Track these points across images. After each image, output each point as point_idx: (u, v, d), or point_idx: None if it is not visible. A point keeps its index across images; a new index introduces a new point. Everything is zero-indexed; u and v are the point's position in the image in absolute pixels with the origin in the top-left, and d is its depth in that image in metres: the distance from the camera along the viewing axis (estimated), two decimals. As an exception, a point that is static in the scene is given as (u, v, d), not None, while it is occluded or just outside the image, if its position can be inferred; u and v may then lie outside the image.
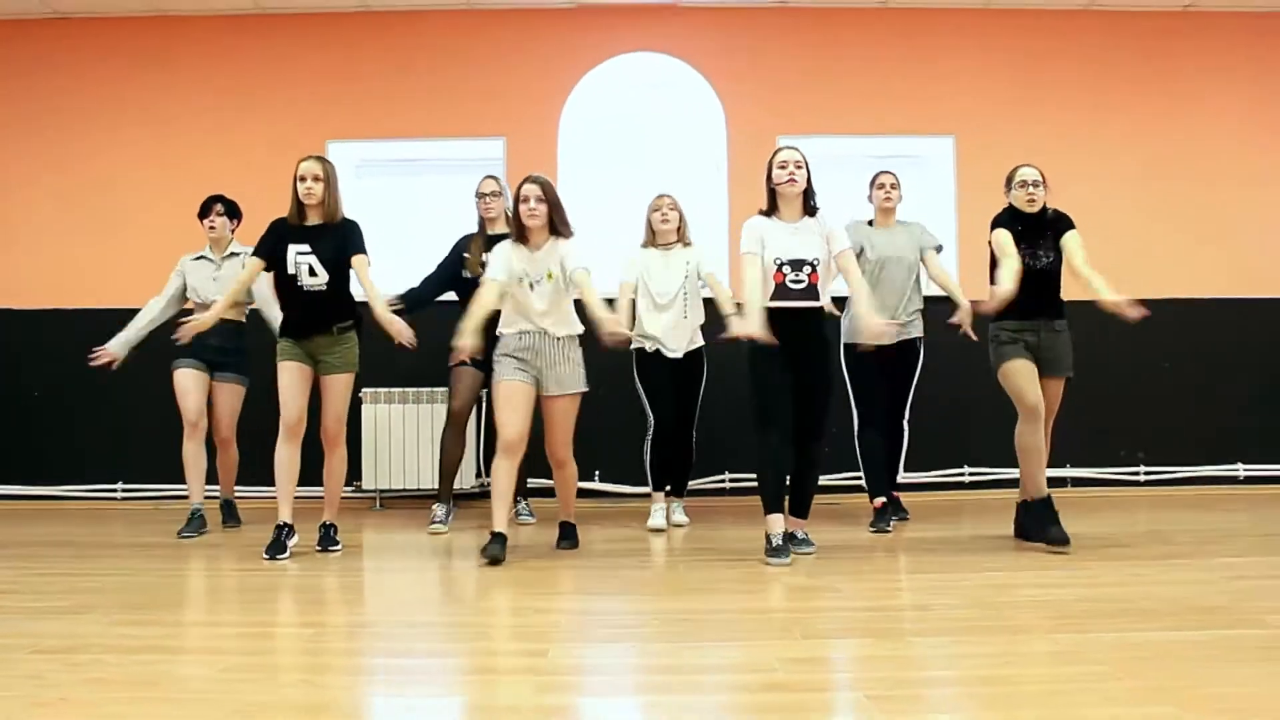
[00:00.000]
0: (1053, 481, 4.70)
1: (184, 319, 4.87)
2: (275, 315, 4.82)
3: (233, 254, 5.35)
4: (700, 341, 5.28)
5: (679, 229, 5.30)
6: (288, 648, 3.13)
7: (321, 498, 4.70)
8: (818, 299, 4.28)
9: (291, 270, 4.53)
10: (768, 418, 4.26)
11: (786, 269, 4.25)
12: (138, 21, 6.77)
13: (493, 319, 4.53)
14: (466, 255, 5.44)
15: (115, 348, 5.22)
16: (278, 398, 4.57)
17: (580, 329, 4.54)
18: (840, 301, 5.19)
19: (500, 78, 6.77)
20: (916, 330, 5.26)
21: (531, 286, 4.44)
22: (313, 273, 4.52)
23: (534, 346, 4.43)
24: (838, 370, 4.86)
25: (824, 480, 5.34)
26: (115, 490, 6.57)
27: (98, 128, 6.77)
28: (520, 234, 4.50)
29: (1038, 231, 4.52)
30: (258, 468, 5.36)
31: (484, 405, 5.71)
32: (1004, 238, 4.52)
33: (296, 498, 4.62)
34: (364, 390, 6.26)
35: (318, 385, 4.62)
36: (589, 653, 3.03)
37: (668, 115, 6.89)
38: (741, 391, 4.37)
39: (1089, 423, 6.02)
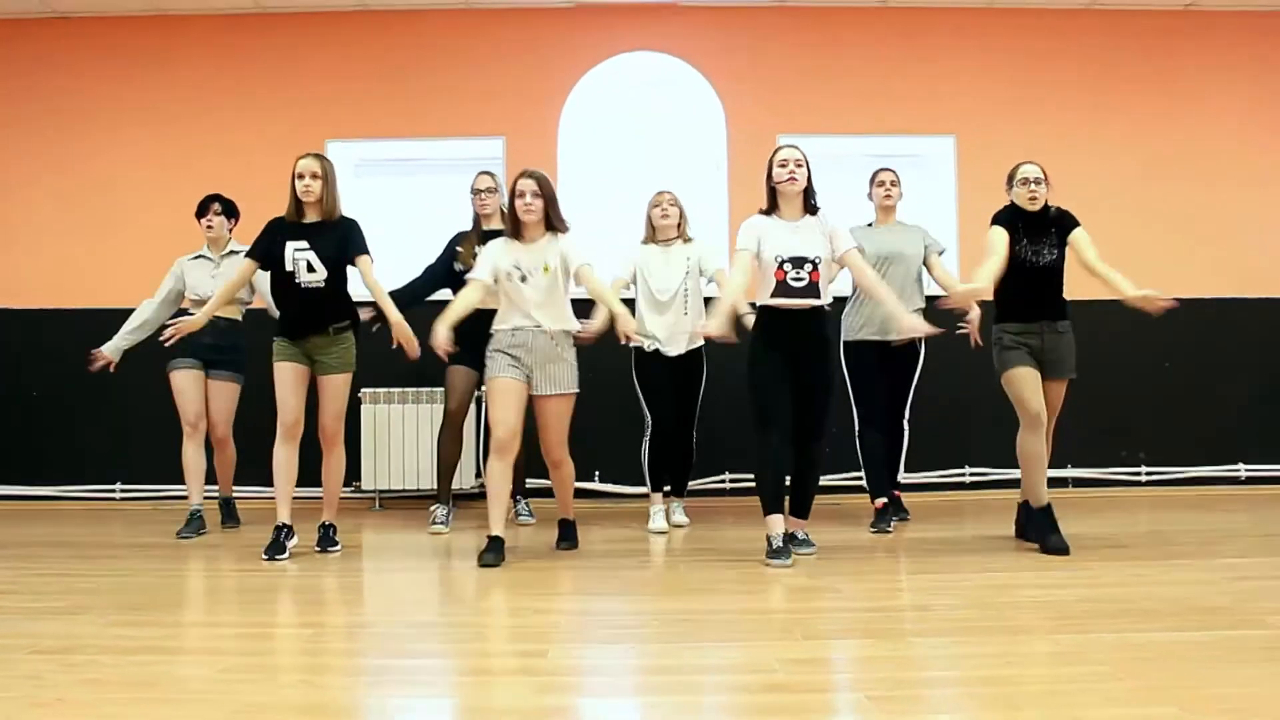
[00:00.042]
0: (1054, 482, 4.70)
1: (175, 320, 4.87)
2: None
3: (232, 252, 5.34)
4: (700, 341, 5.26)
5: (679, 225, 5.29)
6: (287, 648, 3.13)
7: (320, 498, 4.69)
8: (819, 297, 4.27)
9: (289, 267, 4.51)
10: (767, 417, 4.25)
11: (787, 266, 4.24)
12: (137, 21, 6.77)
13: (489, 317, 4.51)
14: (459, 249, 5.43)
15: (109, 352, 5.26)
16: (274, 398, 4.56)
17: (575, 325, 4.51)
18: (840, 301, 5.19)
19: (500, 77, 6.76)
20: (902, 333, 5.22)
21: (524, 279, 4.41)
22: (310, 269, 4.50)
23: (527, 344, 4.40)
24: (838, 369, 4.84)
25: (824, 480, 5.34)
26: (114, 491, 6.57)
27: (97, 127, 6.76)
28: (515, 229, 4.48)
29: (1040, 229, 4.50)
30: (255, 467, 5.35)
31: (482, 404, 5.69)
32: (996, 236, 4.51)
33: (296, 498, 4.62)
34: (363, 390, 6.25)
35: (315, 384, 4.61)
36: (589, 653, 3.02)
37: (667, 114, 6.88)
38: (741, 391, 4.36)
39: (1090, 423, 6.01)
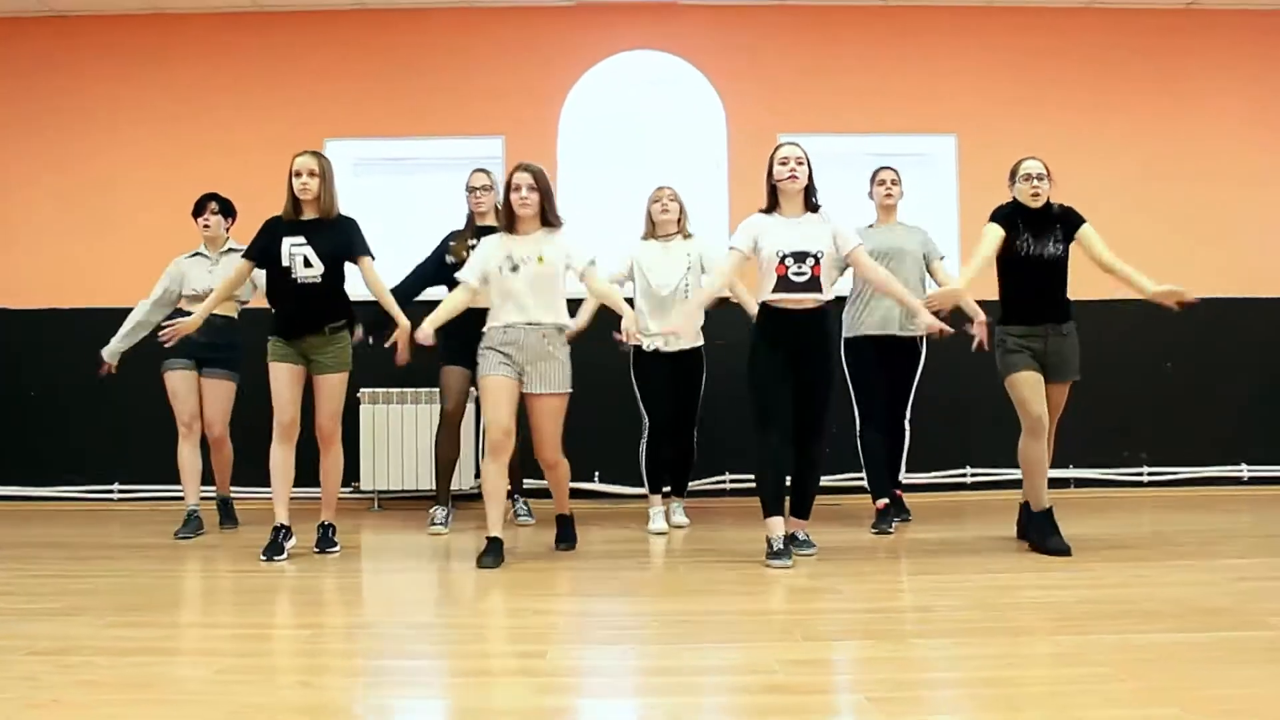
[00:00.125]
0: (1055, 482, 4.68)
1: (172, 321, 4.87)
2: None
3: (230, 250, 5.33)
4: (700, 339, 5.24)
5: (679, 220, 5.27)
6: (284, 649, 3.12)
7: (319, 498, 4.68)
8: (820, 291, 4.24)
9: (286, 262, 4.48)
10: (767, 417, 4.23)
11: (789, 261, 4.21)
12: (136, 20, 6.76)
13: (483, 317, 4.47)
14: (452, 244, 5.43)
15: (107, 357, 5.30)
16: (271, 398, 4.54)
17: (567, 320, 4.47)
18: (840, 300, 5.18)
19: (499, 76, 6.75)
20: (919, 328, 5.21)
21: (515, 269, 4.36)
22: (308, 264, 4.48)
23: (518, 341, 4.35)
24: (838, 367, 4.82)
25: (825, 481, 5.32)
26: (112, 491, 6.56)
27: (96, 127, 6.75)
28: (509, 222, 4.45)
29: (1043, 225, 4.46)
30: (252, 467, 5.33)
31: (479, 404, 5.67)
32: (987, 233, 4.49)
33: (294, 498, 4.60)
34: (362, 390, 6.24)
35: (311, 384, 4.58)
36: (588, 654, 3.01)
37: (668, 113, 6.87)
38: (741, 391, 4.35)
39: (1092, 423, 5.99)
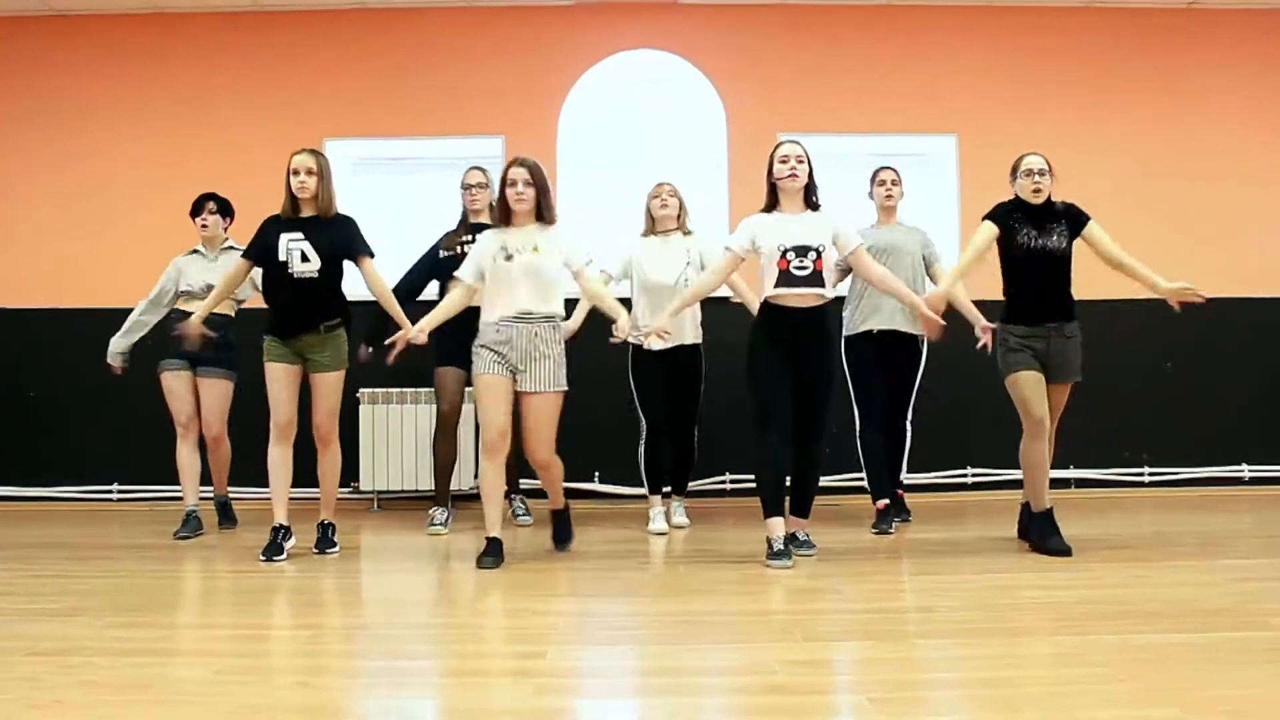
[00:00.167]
0: (1056, 483, 4.68)
1: (175, 319, 4.87)
2: None
3: (229, 248, 5.32)
4: (698, 338, 5.22)
5: (679, 216, 5.27)
6: (283, 650, 3.11)
7: (318, 499, 4.67)
8: (822, 285, 4.22)
9: (283, 256, 4.46)
10: (767, 417, 4.23)
11: (790, 255, 4.20)
12: (135, 19, 6.76)
13: (475, 319, 4.44)
14: (446, 237, 5.43)
15: (110, 359, 5.28)
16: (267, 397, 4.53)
17: (561, 313, 4.43)
18: (839, 299, 5.17)
19: (499, 75, 6.75)
20: (919, 327, 5.20)
21: (510, 258, 4.31)
22: (305, 259, 4.45)
23: (511, 339, 4.30)
24: (839, 367, 4.81)
25: (825, 481, 5.33)
26: (111, 491, 6.55)
27: (95, 125, 6.75)
28: (505, 217, 4.42)
29: (1045, 221, 4.43)
30: (249, 465, 5.33)
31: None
32: (979, 231, 4.50)
33: (293, 499, 4.60)
34: (361, 390, 6.24)
35: (307, 382, 4.57)
36: (587, 655, 3.01)
37: (667, 113, 6.87)
38: (741, 391, 4.34)
39: (1093, 424, 5.99)
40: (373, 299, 4.64)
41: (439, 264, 5.36)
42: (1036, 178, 4.45)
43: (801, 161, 4.30)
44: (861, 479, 5.32)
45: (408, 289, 5.34)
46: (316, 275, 4.47)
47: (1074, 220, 4.46)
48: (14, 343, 6.61)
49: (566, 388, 4.40)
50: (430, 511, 5.39)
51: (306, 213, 4.53)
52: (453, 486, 5.55)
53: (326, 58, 6.75)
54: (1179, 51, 6.85)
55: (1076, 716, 2.30)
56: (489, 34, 6.76)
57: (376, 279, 4.58)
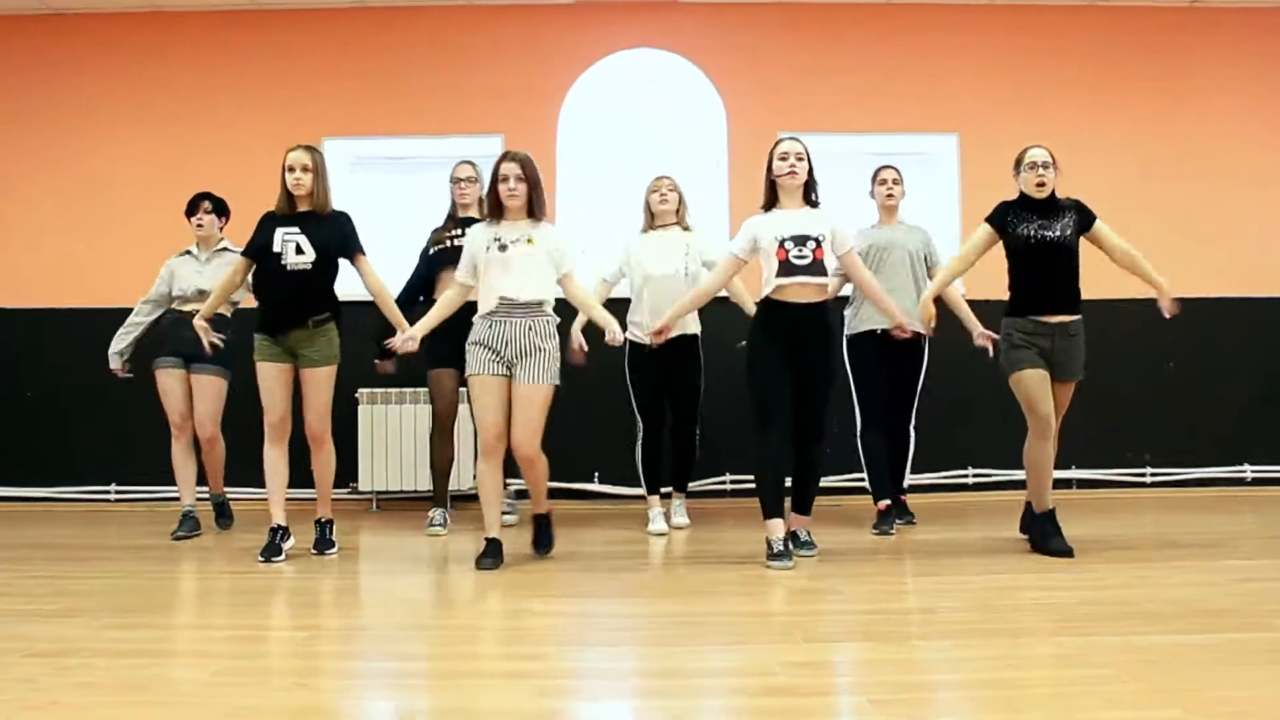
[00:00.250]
0: (1058, 483, 4.66)
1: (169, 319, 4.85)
2: None
3: (222, 249, 5.30)
4: (697, 328, 5.18)
5: (678, 210, 5.24)
6: (281, 651, 3.10)
7: (314, 499, 4.66)
8: (824, 275, 4.19)
9: (277, 249, 4.43)
10: (767, 416, 4.21)
11: (789, 244, 4.17)
12: (133, 17, 6.75)
13: (467, 321, 4.41)
14: (435, 233, 5.41)
15: (113, 362, 5.28)
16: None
17: (552, 301, 4.35)
18: (844, 298, 5.17)
19: (498, 74, 6.74)
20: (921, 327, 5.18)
21: (505, 248, 4.26)
22: (299, 251, 4.42)
23: (505, 335, 4.25)
24: (840, 365, 4.77)
25: (826, 482, 5.31)
26: (109, 492, 6.54)
27: (94, 124, 6.75)
28: (496, 213, 4.35)
29: (1049, 214, 4.41)
30: (245, 464, 5.31)
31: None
32: (976, 233, 4.50)
33: (291, 499, 4.58)
34: (360, 391, 6.23)
35: (300, 380, 4.53)
36: (587, 656, 3.00)
37: (668, 112, 6.86)
38: (742, 391, 4.32)
39: (1095, 423, 5.98)
40: (368, 299, 4.62)
41: (430, 260, 5.33)
42: (1040, 171, 4.43)
43: (801, 159, 4.28)
44: (863, 479, 5.30)
45: (408, 297, 5.28)
46: (310, 268, 4.44)
47: (1082, 215, 4.44)
48: (12, 343, 6.61)
49: (558, 382, 4.30)
50: (429, 512, 5.37)
51: (302, 209, 4.51)
52: (451, 487, 5.53)
53: (326, 56, 6.74)
54: (1180, 50, 6.84)
55: (1078, 718, 2.29)
56: (488, 32, 6.75)
57: (372, 277, 4.56)
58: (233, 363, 5.17)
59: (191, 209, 5.35)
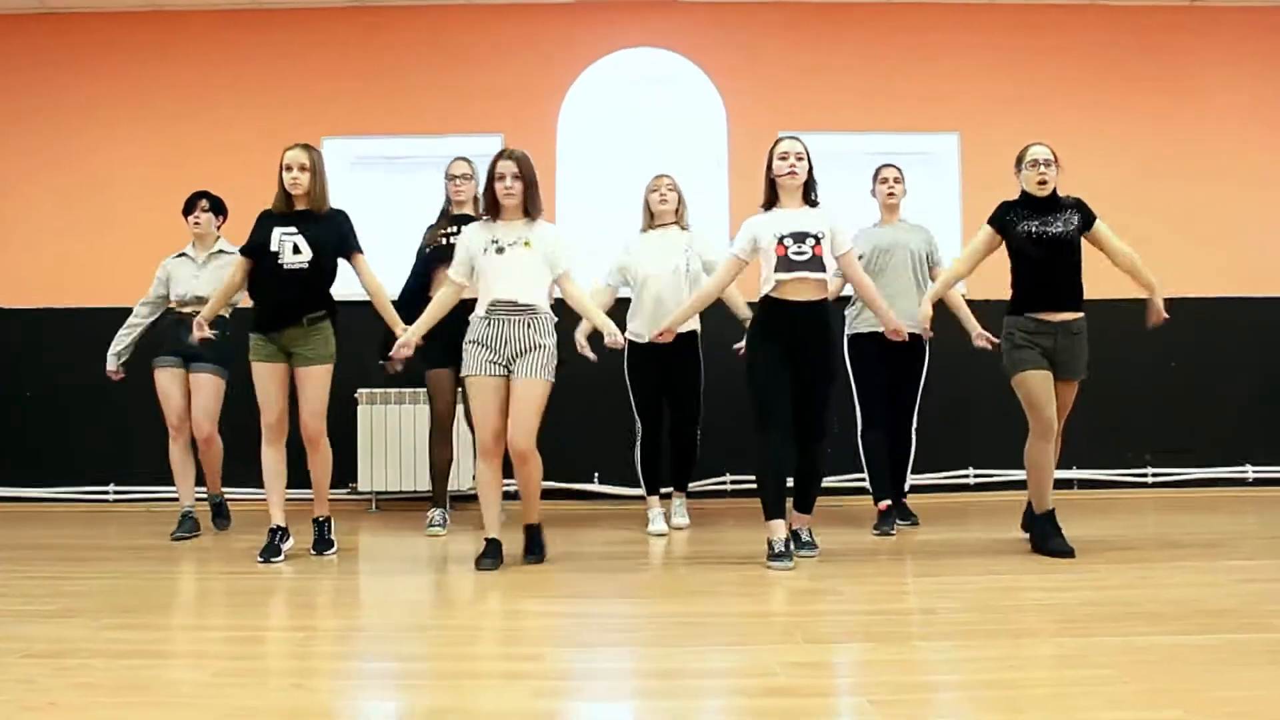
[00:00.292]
0: (1059, 483, 4.65)
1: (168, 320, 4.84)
2: None
3: (219, 251, 5.29)
4: (695, 324, 5.14)
5: (677, 210, 5.23)
6: (279, 652, 3.09)
7: (312, 499, 4.65)
8: (823, 270, 4.17)
9: (274, 248, 4.42)
10: (767, 416, 4.19)
11: (788, 241, 4.15)
12: (133, 16, 6.75)
13: (464, 320, 4.39)
14: (429, 232, 5.39)
15: (110, 364, 5.27)
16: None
17: (549, 302, 4.35)
18: (845, 298, 5.16)
19: (498, 73, 6.73)
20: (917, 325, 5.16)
21: (501, 250, 4.23)
22: (296, 250, 4.41)
23: (503, 334, 4.22)
24: (841, 364, 4.73)
25: (827, 482, 5.30)
26: (107, 492, 6.53)
27: (94, 124, 6.74)
28: (493, 212, 4.33)
29: (1051, 211, 4.39)
30: (243, 464, 5.30)
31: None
32: (976, 236, 4.49)
33: (290, 499, 4.57)
34: (359, 391, 6.23)
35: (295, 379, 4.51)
36: (586, 657, 2.98)
37: (668, 111, 6.85)
38: (741, 391, 4.31)
39: (1096, 424, 5.97)
40: (367, 299, 4.61)
41: (426, 258, 5.31)
42: (1042, 169, 4.41)
43: (801, 159, 4.27)
44: (863, 479, 5.29)
45: (408, 298, 5.24)
46: (307, 267, 4.42)
47: (1083, 214, 4.42)
48: (11, 343, 6.60)
49: (553, 380, 4.26)
50: (429, 513, 5.36)
51: (300, 208, 4.50)
52: (451, 487, 5.51)
53: (325, 55, 6.74)
54: (1180, 49, 6.84)
55: (1079, 718, 2.28)
56: (488, 31, 6.75)
57: (370, 276, 4.55)
58: (231, 362, 5.16)
59: (189, 207, 5.34)
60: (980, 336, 4.81)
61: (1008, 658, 2.81)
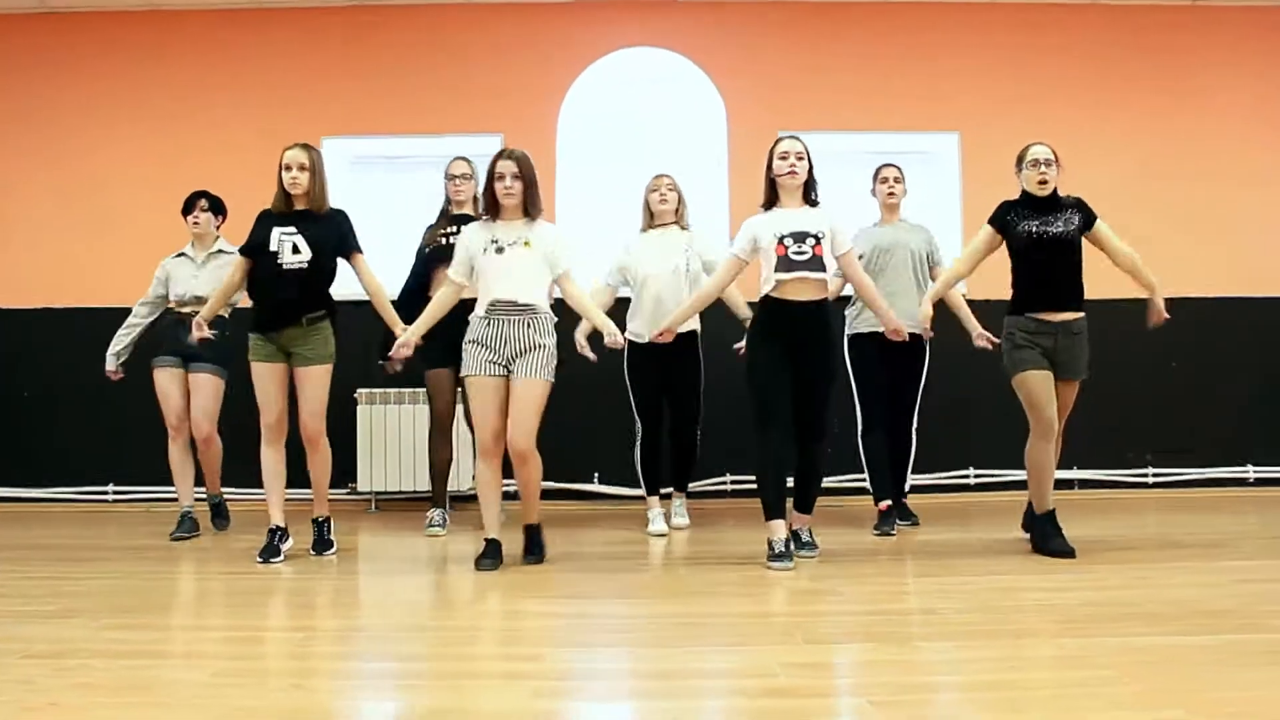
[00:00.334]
0: (1060, 483, 4.64)
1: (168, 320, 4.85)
2: None
3: (218, 251, 5.28)
4: (695, 324, 5.14)
5: (677, 210, 5.22)
6: (278, 652, 3.09)
7: (311, 499, 4.65)
8: (823, 270, 4.16)
9: (274, 248, 4.41)
10: (767, 416, 4.19)
11: (788, 241, 4.15)
12: (132, 16, 6.75)
13: (463, 320, 4.38)
14: (428, 232, 5.38)
15: (109, 364, 5.27)
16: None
17: (549, 305, 4.34)
18: (845, 298, 5.15)
19: (498, 73, 6.73)
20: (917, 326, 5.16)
21: (500, 251, 4.22)
22: (296, 250, 4.40)
23: (503, 334, 4.21)
24: (841, 363, 4.72)
25: (827, 482, 5.29)
26: (107, 492, 6.53)
27: (93, 123, 6.74)
28: (492, 211, 4.32)
29: (1051, 211, 4.39)
30: (242, 464, 5.30)
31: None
32: (976, 236, 4.48)
33: (289, 500, 4.57)
34: (359, 391, 6.22)
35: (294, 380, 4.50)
36: (585, 657, 2.98)
37: (668, 111, 6.84)
38: (742, 391, 4.30)
39: (1096, 424, 5.96)
40: (365, 299, 4.60)
41: (425, 259, 5.31)
42: (1042, 168, 4.41)
43: (801, 158, 4.26)
44: (863, 480, 5.29)
45: (408, 299, 5.23)
46: (306, 267, 4.42)
47: (1084, 213, 4.42)
48: (10, 342, 6.59)
49: (553, 380, 4.25)
50: (428, 513, 5.35)
51: (299, 208, 4.49)
52: (450, 487, 5.51)
53: (324, 55, 6.73)
54: (1181, 48, 6.83)
55: (1080, 719, 2.28)
56: (488, 31, 6.74)
57: (369, 276, 4.54)
58: (230, 362, 5.15)
59: (188, 207, 5.33)
60: (980, 336, 4.81)
61: (1008, 658, 2.80)
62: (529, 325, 4.22)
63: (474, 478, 4.61)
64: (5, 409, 6.55)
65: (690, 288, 5.01)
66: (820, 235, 4.16)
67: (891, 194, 5.23)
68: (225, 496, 5.51)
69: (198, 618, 3.60)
